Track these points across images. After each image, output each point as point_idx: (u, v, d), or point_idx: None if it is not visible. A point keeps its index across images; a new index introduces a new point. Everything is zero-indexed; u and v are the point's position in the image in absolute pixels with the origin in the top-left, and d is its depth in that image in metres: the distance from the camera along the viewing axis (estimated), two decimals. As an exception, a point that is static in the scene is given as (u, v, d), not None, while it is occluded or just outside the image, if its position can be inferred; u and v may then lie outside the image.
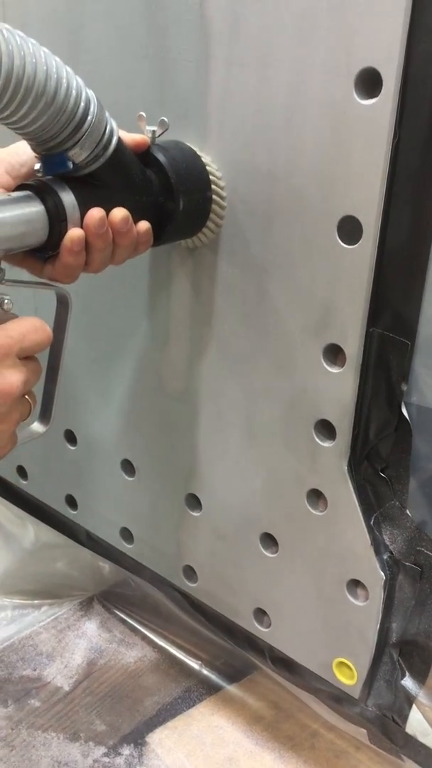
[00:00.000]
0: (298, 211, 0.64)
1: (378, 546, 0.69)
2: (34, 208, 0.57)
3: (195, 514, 0.83)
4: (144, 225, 0.64)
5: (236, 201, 0.68)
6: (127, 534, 0.92)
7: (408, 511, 0.67)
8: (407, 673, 0.71)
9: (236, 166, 0.67)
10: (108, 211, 0.60)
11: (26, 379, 0.55)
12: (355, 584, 0.71)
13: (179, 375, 0.79)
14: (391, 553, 0.69)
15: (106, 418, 0.88)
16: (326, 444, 0.69)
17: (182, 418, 0.80)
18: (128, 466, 0.88)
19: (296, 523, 0.73)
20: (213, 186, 0.68)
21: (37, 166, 0.60)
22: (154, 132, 0.65)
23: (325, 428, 0.69)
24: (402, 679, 0.71)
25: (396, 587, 0.69)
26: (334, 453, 0.69)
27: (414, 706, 0.71)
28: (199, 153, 0.68)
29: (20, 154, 0.62)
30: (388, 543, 0.69)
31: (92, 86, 0.57)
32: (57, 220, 0.58)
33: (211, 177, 0.68)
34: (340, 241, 0.62)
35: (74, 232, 0.59)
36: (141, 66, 0.70)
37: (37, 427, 0.64)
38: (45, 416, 0.65)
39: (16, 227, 0.56)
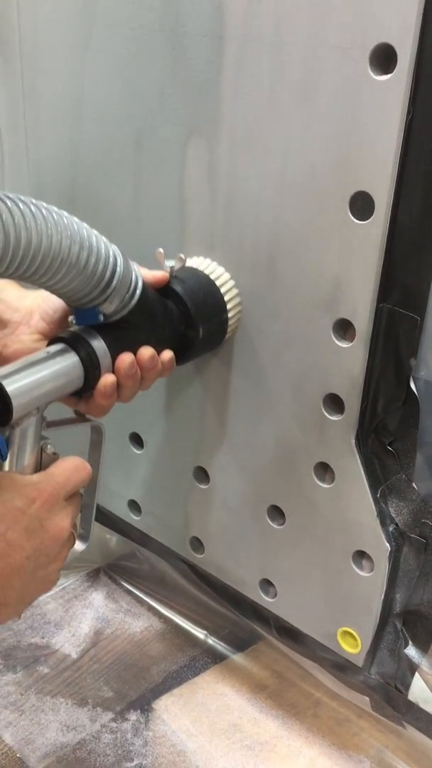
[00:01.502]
0: (310, 185, 0.64)
1: (384, 518, 0.70)
2: (70, 360, 0.62)
3: (203, 486, 0.84)
4: (167, 355, 0.69)
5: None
6: (134, 506, 0.94)
7: (414, 484, 0.69)
8: (410, 642, 0.73)
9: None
10: (136, 350, 0.66)
11: (73, 517, 0.61)
12: (360, 555, 0.73)
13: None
14: (396, 525, 0.70)
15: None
16: (334, 417, 0.70)
17: (191, 391, 0.81)
18: (137, 439, 0.89)
19: (303, 496, 0.75)
20: (228, 308, 0.72)
21: (71, 318, 0.65)
22: (172, 267, 0.69)
23: (334, 402, 0.70)
24: (405, 648, 0.73)
25: (401, 558, 0.71)
26: (342, 426, 0.70)
27: (416, 674, 0.73)
28: (213, 279, 0.72)
29: (53, 301, 0.68)
30: (394, 515, 0.70)
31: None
32: (91, 368, 0.63)
33: (226, 300, 0.72)
34: (352, 216, 0.63)
35: (107, 379, 0.64)
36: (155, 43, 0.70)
37: (78, 546, 0.68)
38: (84, 536, 0.70)
39: (55, 381, 0.61)
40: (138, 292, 0.64)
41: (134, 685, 0.92)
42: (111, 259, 0.61)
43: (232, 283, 0.73)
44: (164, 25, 0.69)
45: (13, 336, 0.69)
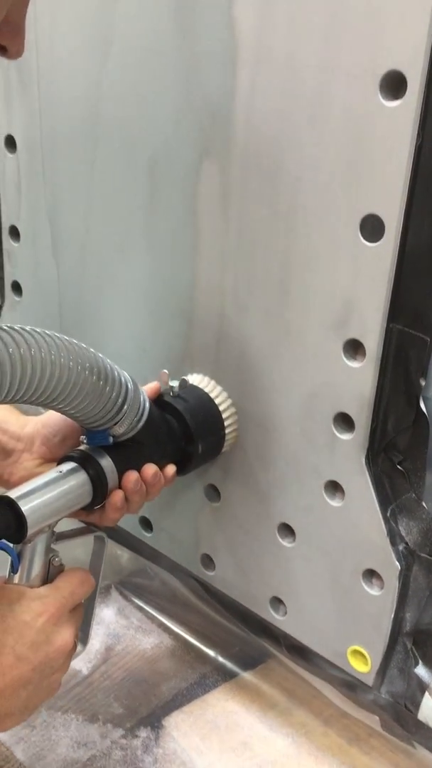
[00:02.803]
0: (321, 207, 0.65)
1: (394, 537, 0.71)
2: (80, 479, 0.68)
3: (214, 504, 0.85)
4: (170, 470, 0.74)
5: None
6: (146, 523, 0.94)
7: (424, 504, 0.69)
8: (420, 662, 0.73)
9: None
10: (141, 466, 0.71)
11: (76, 628, 0.65)
12: (370, 574, 0.73)
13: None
14: (406, 544, 0.71)
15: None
16: (345, 436, 0.71)
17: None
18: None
19: (313, 514, 0.75)
20: (226, 425, 0.77)
21: (82, 437, 0.71)
22: (173, 388, 0.76)
23: (344, 421, 0.70)
24: (415, 667, 0.73)
25: (411, 578, 0.71)
26: (353, 445, 0.70)
27: (426, 693, 0.73)
28: (212, 397, 0.77)
29: (52, 426, 0.74)
30: (403, 534, 0.71)
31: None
32: (99, 486, 0.69)
33: (224, 418, 0.77)
34: (362, 238, 0.64)
35: (116, 495, 0.70)
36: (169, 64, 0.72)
37: (78, 648, 0.71)
38: (84, 640, 0.74)
39: (66, 499, 0.67)
40: (145, 415, 0.69)
41: (144, 702, 0.92)
42: (123, 387, 0.66)
43: (230, 401, 0.78)
44: (179, 50, 0.71)
45: (18, 464, 0.74)
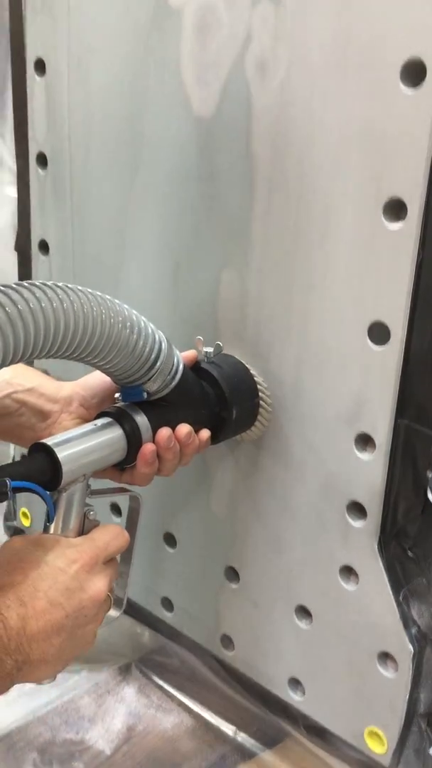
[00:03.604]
0: (331, 315, 0.72)
1: (406, 620, 0.74)
2: (115, 433, 0.69)
3: (233, 585, 0.89)
4: (205, 434, 0.76)
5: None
6: (167, 603, 0.98)
7: (434, 588, 0.73)
8: (435, 743, 0.76)
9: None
10: (174, 426, 0.72)
11: (110, 581, 0.66)
12: (385, 656, 0.76)
13: (222, 453, 0.85)
14: (419, 627, 0.74)
15: (151, 497, 0.94)
16: (357, 524, 0.75)
17: (221, 493, 0.87)
18: (170, 539, 0.95)
19: (329, 597, 0.79)
20: (260, 393, 0.78)
21: (117, 395, 0.73)
22: (208, 353, 0.77)
23: (357, 509, 0.75)
24: (430, 748, 0.76)
25: (424, 660, 0.74)
26: (365, 532, 0.75)
27: (442, 775, 0.75)
28: (247, 366, 0.79)
29: (90, 388, 0.75)
30: (416, 618, 0.74)
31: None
32: (134, 441, 0.70)
33: (258, 386, 0.78)
34: (370, 342, 0.69)
35: (147, 447, 0.70)
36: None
37: (113, 612, 0.72)
38: (119, 603, 0.75)
39: (101, 451, 0.68)
40: (179, 373, 0.70)
41: (166, 783, 0.94)
42: (157, 343, 0.67)
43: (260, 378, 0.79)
44: (201, 174, 0.78)
45: (56, 424, 0.75)
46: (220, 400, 0.76)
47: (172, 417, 0.72)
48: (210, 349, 0.77)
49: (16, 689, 0.62)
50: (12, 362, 0.58)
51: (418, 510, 0.71)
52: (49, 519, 0.66)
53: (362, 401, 0.72)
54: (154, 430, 0.71)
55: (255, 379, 0.79)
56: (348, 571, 0.77)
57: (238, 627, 0.90)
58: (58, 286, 0.60)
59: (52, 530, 0.67)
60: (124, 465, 0.71)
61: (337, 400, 0.73)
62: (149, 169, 0.84)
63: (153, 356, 0.67)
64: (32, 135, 0.95)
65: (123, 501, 0.74)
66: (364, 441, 0.73)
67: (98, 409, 0.74)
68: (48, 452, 0.64)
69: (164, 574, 0.96)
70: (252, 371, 0.79)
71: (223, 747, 0.99)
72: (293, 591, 0.83)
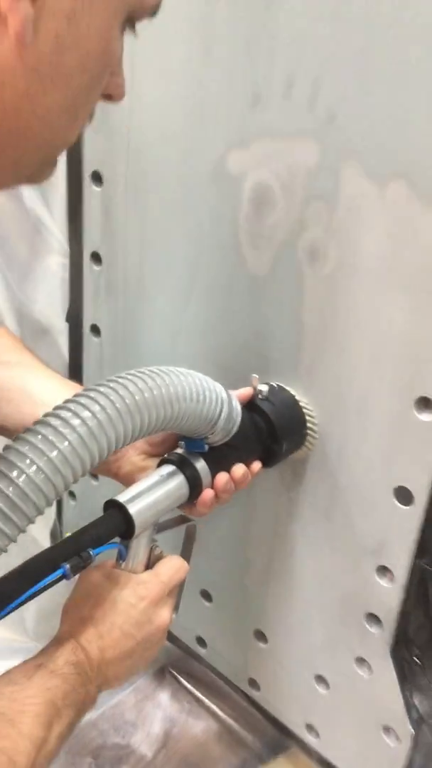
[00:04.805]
0: (361, 473, 0.83)
1: (409, 708, 0.90)
2: (179, 480, 0.76)
3: (261, 645, 1.05)
4: (256, 466, 0.82)
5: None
6: (201, 641, 1.14)
7: (433, 687, 0.88)
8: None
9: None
10: (230, 467, 0.79)
11: (172, 608, 0.76)
12: (388, 729, 0.93)
13: (262, 548, 0.99)
14: (419, 713, 0.90)
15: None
16: (374, 630, 0.89)
17: (256, 563, 1.01)
18: (206, 595, 1.09)
19: (345, 677, 0.95)
20: (308, 424, 0.85)
21: (181, 442, 0.79)
22: (261, 391, 0.83)
23: (374, 619, 0.89)
24: (421, 800, 0.94)
25: (420, 737, 0.91)
26: (380, 637, 0.89)
27: None
28: (297, 398, 0.85)
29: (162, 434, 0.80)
30: (417, 705, 0.90)
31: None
32: (195, 485, 0.77)
33: (307, 417, 0.85)
34: (396, 502, 0.81)
35: (207, 494, 0.77)
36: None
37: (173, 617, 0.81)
38: (176, 608, 0.82)
39: (167, 500, 0.76)
40: (237, 424, 0.76)
41: (199, 785, 1.14)
42: (220, 405, 0.73)
43: (310, 405, 0.85)
44: (251, 321, 0.87)
45: (124, 459, 0.82)
46: (270, 434, 0.82)
47: (230, 458, 0.79)
48: (265, 387, 0.83)
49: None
50: (122, 445, 0.65)
51: (427, 629, 0.86)
52: (122, 558, 0.76)
53: (386, 544, 0.84)
54: (213, 474, 0.77)
55: (305, 410, 0.84)
56: (362, 661, 0.93)
57: (264, 676, 1.07)
58: (155, 372, 0.68)
59: (122, 566, 0.76)
60: (184, 504, 0.79)
61: (363, 541, 0.86)
62: (200, 299, 0.92)
63: (216, 416, 0.73)
64: (87, 235, 1.02)
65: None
66: (385, 571, 0.86)
67: (162, 446, 0.81)
68: (121, 509, 0.72)
69: (201, 620, 1.12)
70: (302, 402, 0.85)
71: (244, 752, 1.19)
72: (315, 662, 0.98)
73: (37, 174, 0.55)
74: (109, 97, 0.55)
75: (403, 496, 0.80)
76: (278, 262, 0.82)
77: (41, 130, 0.51)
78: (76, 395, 0.64)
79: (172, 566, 0.77)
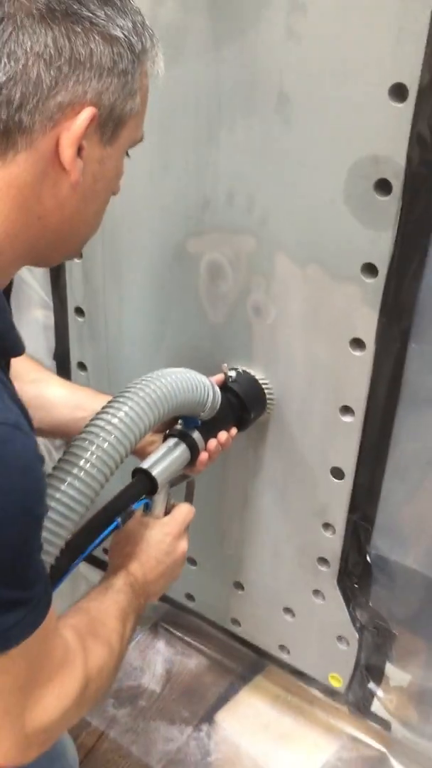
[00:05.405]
0: (305, 454, 1.15)
1: (354, 620, 1.25)
2: (182, 448, 1.02)
3: (240, 592, 1.37)
4: (234, 431, 1.10)
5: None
6: (190, 597, 1.46)
7: (370, 603, 1.23)
8: (371, 680, 1.30)
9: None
10: (217, 434, 1.06)
11: (187, 540, 1.03)
12: (341, 638, 1.27)
13: (235, 518, 1.31)
14: (360, 623, 1.25)
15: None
16: (324, 569, 1.23)
17: (233, 543, 1.33)
18: (192, 561, 1.41)
19: (306, 606, 1.28)
20: (267, 398, 1.15)
21: (180, 421, 1.05)
22: (231, 376, 1.12)
23: (324, 561, 1.23)
24: (368, 683, 1.30)
25: (363, 639, 1.26)
26: (329, 573, 1.23)
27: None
28: (258, 378, 1.14)
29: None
30: (359, 618, 1.25)
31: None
32: (194, 451, 1.03)
33: (266, 393, 1.15)
34: (332, 478, 1.14)
35: (203, 456, 1.04)
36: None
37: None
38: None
39: (176, 463, 1.01)
40: (219, 404, 1.03)
41: (200, 706, 1.46)
42: (209, 394, 1.00)
43: (268, 381, 1.12)
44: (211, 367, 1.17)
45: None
46: (242, 407, 1.10)
47: (215, 428, 1.05)
48: (233, 373, 1.11)
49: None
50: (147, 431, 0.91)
51: (361, 564, 1.20)
52: (148, 508, 1.00)
53: (326, 505, 1.17)
54: (206, 441, 1.03)
55: (264, 388, 1.12)
56: (318, 592, 1.27)
57: (243, 615, 1.40)
58: (162, 376, 0.94)
59: (149, 514, 0.99)
60: (187, 466, 1.04)
61: (308, 496, 1.19)
62: (172, 341, 1.21)
63: (205, 400, 0.99)
64: (70, 294, 1.28)
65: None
66: (327, 526, 1.20)
67: (164, 423, 1.02)
68: (146, 473, 0.97)
69: (188, 581, 1.43)
70: (261, 381, 1.12)
71: (231, 676, 1.52)
72: (282, 598, 1.32)
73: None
74: (113, 193, 0.79)
75: (337, 473, 1.14)
76: (231, 316, 1.12)
77: (85, 230, 0.78)
78: (111, 401, 0.90)
79: (184, 510, 1.01)
